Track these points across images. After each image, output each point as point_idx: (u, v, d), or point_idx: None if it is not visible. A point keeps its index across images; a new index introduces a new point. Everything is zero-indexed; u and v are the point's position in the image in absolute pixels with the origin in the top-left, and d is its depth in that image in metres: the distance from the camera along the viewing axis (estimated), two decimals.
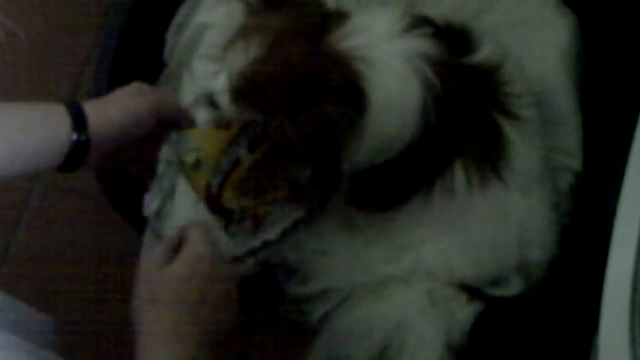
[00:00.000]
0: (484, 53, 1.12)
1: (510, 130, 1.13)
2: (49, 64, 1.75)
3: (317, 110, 1.01)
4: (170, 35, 1.41)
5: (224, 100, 1.08)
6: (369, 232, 1.22)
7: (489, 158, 1.14)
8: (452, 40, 1.11)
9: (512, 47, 1.20)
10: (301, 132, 1.02)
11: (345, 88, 1.03)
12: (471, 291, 1.19)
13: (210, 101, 1.11)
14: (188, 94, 1.34)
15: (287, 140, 1.03)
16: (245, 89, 1.04)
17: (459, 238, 1.19)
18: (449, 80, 1.07)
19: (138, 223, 1.24)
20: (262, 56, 1.03)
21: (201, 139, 1.16)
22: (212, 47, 1.33)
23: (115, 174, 1.24)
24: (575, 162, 1.28)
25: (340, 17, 1.09)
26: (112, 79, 1.31)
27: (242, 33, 1.06)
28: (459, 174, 1.12)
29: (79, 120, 1.02)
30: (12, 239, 1.60)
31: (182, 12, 1.41)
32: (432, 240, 1.20)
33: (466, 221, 1.17)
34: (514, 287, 1.20)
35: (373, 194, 1.17)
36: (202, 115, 1.20)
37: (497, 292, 1.20)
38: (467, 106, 1.10)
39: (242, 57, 1.04)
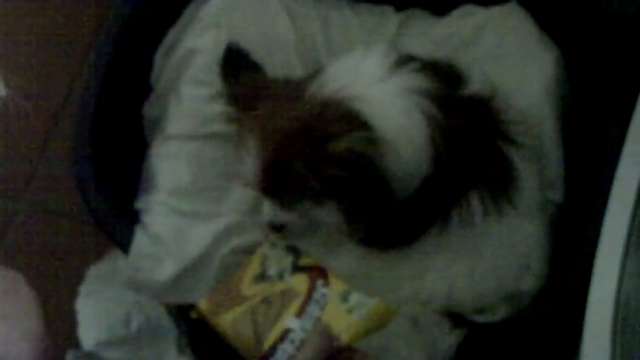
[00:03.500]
0: (475, 85, 1.14)
1: (515, 156, 1.15)
2: (34, 82, 1.75)
3: (335, 148, 1.02)
4: (158, 59, 1.41)
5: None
6: (366, 264, 1.21)
7: (502, 186, 1.15)
8: (441, 74, 1.12)
9: (496, 80, 1.22)
10: (333, 169, 1.03)
11: (349, 123, 1.03)
12: (455, 318, 1.19)
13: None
14: (174, 117, 1.34)
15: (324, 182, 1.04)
16: (272, 180, 1.06)
17: (468, 266, 1.19)
18: (450, 112, 1.08)
19: (123, 245, 1.24)
20: (263, 147, 1.04)
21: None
22: (200, 72, 1.34)
23: (101, 194, 1.25)
24: (557, 194, 1.28)
25: (314, 72, 1.11)
26: (99, 100, 1.32)
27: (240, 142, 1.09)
28: (475, 204, 1.13)
29: None
30: None
31: (170, 36, 1.42)
32: (438, 270, 1.20)
33: (479, 249, 1.18)
34: (498, 315, 1.20)
35: (386, 233, 1.17)
36: None
37: (482, 318, 1.20)
38: (473, 136, 1.11)
39: (250, 161, 1.06)
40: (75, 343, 1.26)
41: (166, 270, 1.22)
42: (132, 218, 1.28)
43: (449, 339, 1.17)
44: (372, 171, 1.04)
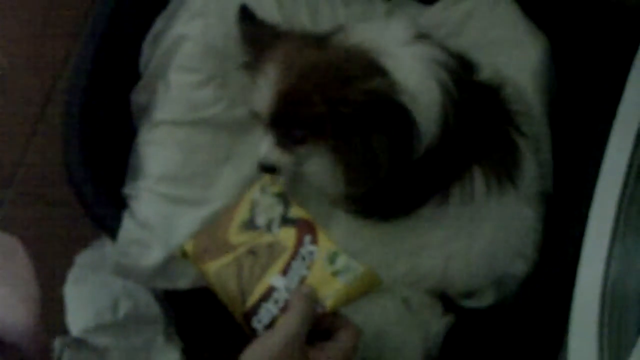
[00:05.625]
0: (486, 74, 1.16)
1: (521, 144, 1.17)
2: (22, 70, 1.75)
3: (357, 89, 1.03)
4: (146, 46, 1.41)
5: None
6: (361, 238, 1.21)
7: (506, 166, 1.16)
8: (455, 58, 1.14)
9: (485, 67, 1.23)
10: (354, 105, 1.03)
11: (371, 71, 1.05)
12: (445, 302, 1.20)
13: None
14: (163, 104, 1.34)
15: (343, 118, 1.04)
16: (285, 106, 1.06)
17: (465, 245, 1.19)
18: (464, 89, 1.10)
19: (111, 231, 1.24)
20: (284, 75, 1.05)
21: None
22: (188, 59, 1.34)
23: (89, 180, 1.25)
24: (546, 183, 1.28)
25: (341, 29, 1.13)
26: (87, 87, 1.32)
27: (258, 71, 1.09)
28: (478, 179, 1.14)
29: None
30: None
31: (159, 22, 1.41)
32: (435, 247, 1.20)
33: (477, 229, 1.19)
34: (486, 299, 1.21)
35: (386, 200, 1.16)
36: None
37: (470, 303, 1.21)
38: (482, 117, 1.13)
39: (268, 87, 1.06)
40: (63, 329, 1.26)
41: (154, 256, 1.21)
42: (120, 204, 1.27)
43: (440, 322, 1.18)
44: (395, 114, 1.05)
